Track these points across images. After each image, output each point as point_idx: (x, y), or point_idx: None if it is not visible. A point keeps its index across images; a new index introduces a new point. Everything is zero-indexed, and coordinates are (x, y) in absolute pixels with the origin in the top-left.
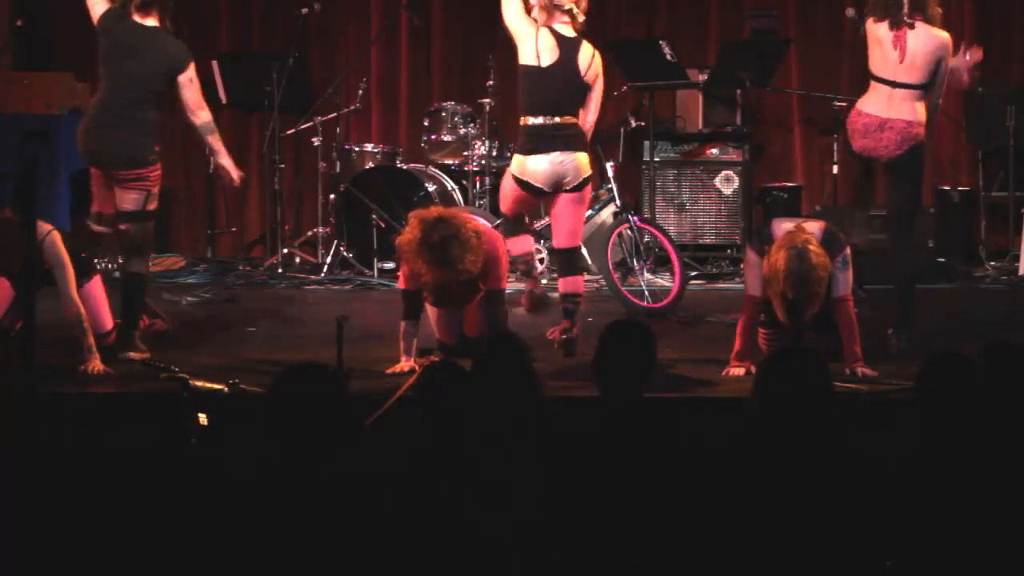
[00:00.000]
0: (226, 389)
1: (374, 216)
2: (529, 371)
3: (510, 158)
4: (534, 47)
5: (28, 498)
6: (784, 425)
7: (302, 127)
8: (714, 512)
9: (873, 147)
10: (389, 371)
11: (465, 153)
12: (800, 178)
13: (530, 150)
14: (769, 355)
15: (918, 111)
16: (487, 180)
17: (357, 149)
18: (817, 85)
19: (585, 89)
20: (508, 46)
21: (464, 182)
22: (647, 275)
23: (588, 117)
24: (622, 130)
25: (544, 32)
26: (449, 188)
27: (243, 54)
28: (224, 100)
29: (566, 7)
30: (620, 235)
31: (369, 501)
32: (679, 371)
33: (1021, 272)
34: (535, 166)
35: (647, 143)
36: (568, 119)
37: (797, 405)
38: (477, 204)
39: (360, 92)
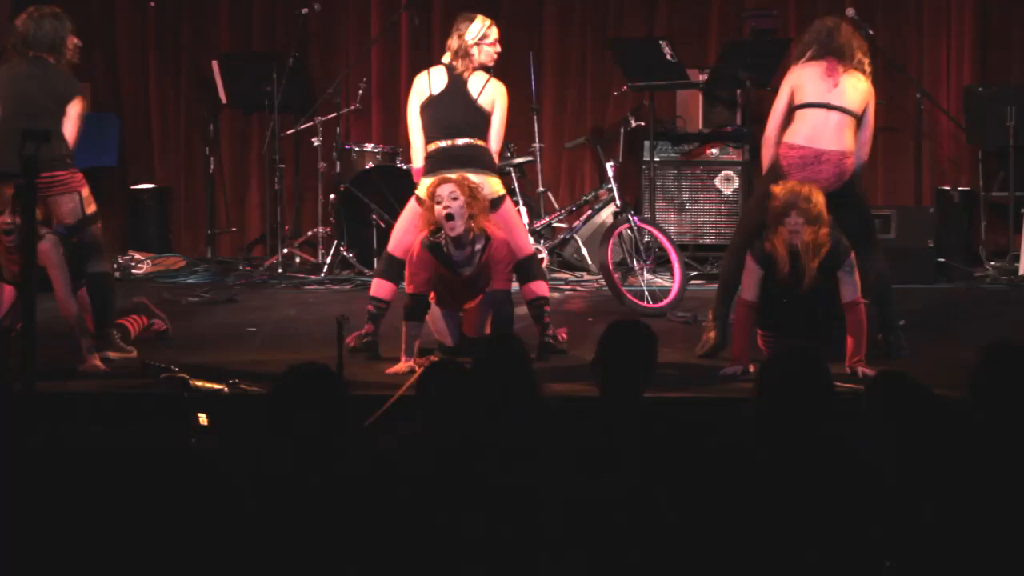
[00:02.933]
0: (226, 389)
1: (374, 216)
2: (528, 371)
3: (510, 158)
4: (427, 84)
5: (27, 498)
6: (785, 425)
7: (302, 127)
8: (715, 511)
9: (813, 180)
10: (389, 371)
11: None
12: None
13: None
14: (770, 355)
15: (849, 140)
16: None
17: (357, 149)
18: None
19: (483, 114)
20: (509, 45)
21: None
22: (647, 275)
23: (491, 143)
24: (622, 130)
25: (435, 69)
26: None
27: (243, 54)
28: (224, 100)
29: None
30: (620, 235)
31: (368, 500)
32: (679, 371)
33: (1021, 272)
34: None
35: (647, 143)
36: (471, 141)
37: (798, 405)
38: None
39: (360, 92)
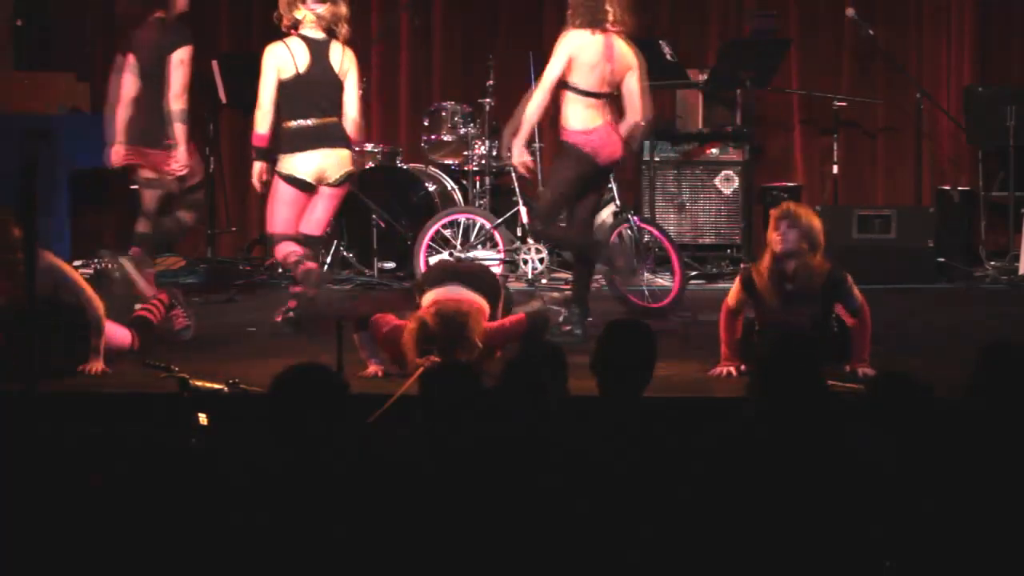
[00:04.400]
0: (226, 389)
1: (374, 216)
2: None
3: (510, 158)
4: (289, 58)
5: (28, 498)
6: (780, 423)
7: None
8: (713, 511)
9: (617, 153)
10: (361, 375)
11: (465, 153)
12: (800, 178)
13: (294, 149)
14: (761, 353)
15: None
16: (487, 180)
17: (357, 149)
18: (817, 85)
19: (342, 87)
20: (508, 45)
21: (464, 182)
22: (647, 275)
23: (349, 113)
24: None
25: (293, 40)
26: (449, 188)
27: (243, 54)
28: (224, 100)
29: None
30: (620, 235)
31: (369, 499)
32: (679, 371)
33: (1021, 272)
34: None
35: (647, 143)
36: (335, 120)
37: (792, 403)
38: (477, 204)
39: (360, 92)
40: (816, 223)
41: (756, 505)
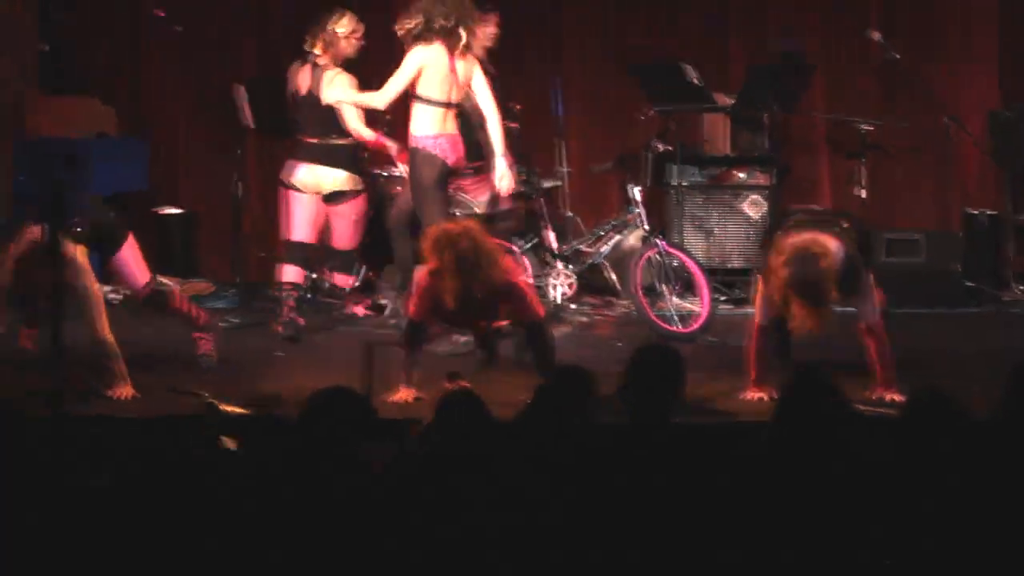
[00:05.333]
0: (254, 413)
1: None
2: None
3: (538, 182)
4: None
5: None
6: (805, 450)
7: None
8: (739, 535)
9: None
10: (391, 399)
11: None
12: (827, 201)
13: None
14: (787, 382)
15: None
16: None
17: (384, 175)
18: (843, 108)
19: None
20: (532, 69)
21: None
22: (675, 299)
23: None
24: (648, 154)
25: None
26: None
27: (270, 78)
28: (251, 125)
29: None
30: (648, 260)
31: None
32: (708, 395)
33: None
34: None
35: (674, 167)
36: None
37: (817, 431)
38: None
39: (388, 116)
40: (821, 272)
41: (781, 528)
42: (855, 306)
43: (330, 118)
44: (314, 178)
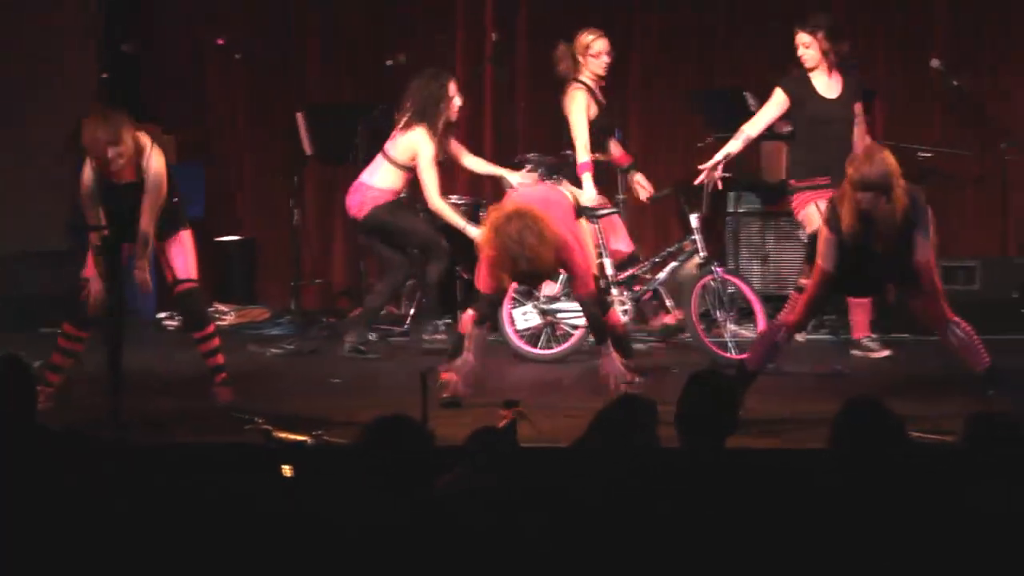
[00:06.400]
0: (310, 441)
1: (457, 268)
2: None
3: (595, 210)
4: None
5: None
6: (862, 478)
7: None
8: (798, 563)
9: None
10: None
11: None
12: None
13: None
14: (842, 408)
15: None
16: None
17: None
18: (902, 135)
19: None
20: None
21: None
22: (731, 326)
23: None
24: (707, 181)
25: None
26: None
27: (328, 105)
28: (309, 151)
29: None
30: (704, 286)
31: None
32: (762, 421)
33: None
34: None
35: (731, 194)
36: None
37: (872, 457)
38: None
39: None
40: (886, 166)
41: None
42: (916, 237)
43: None
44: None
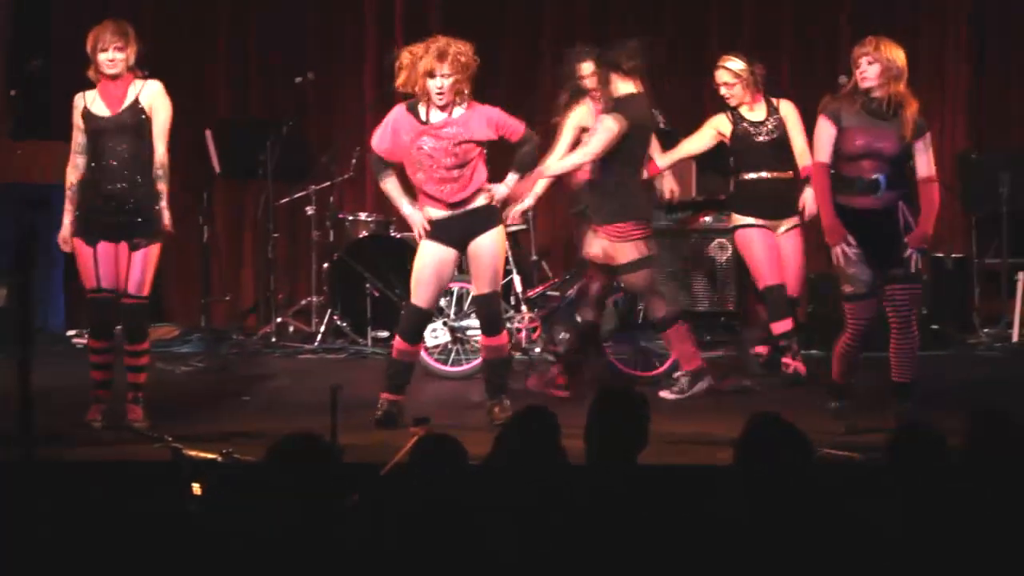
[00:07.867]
0: (220, 458)
1: (367, 285)
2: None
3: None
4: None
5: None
6: (767, 496)
7: (296, 196)
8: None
9: None
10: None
11: None
12: None
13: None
14: (747, 427)
15: None
16: None
17: (351, 218)
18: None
19: None
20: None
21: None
22: (641, 343)
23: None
24: None
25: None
26: None
27: (237, 120)
28: (217, 169)
29: None
30: (615, 303)
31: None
32: (671, 438)
33: (1015, 339)
34: None
35: None
36: None
37: (777, 476)
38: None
39: (354, 160)
40: (898, 55)
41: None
42: (919, 152)
43: None
44: None
